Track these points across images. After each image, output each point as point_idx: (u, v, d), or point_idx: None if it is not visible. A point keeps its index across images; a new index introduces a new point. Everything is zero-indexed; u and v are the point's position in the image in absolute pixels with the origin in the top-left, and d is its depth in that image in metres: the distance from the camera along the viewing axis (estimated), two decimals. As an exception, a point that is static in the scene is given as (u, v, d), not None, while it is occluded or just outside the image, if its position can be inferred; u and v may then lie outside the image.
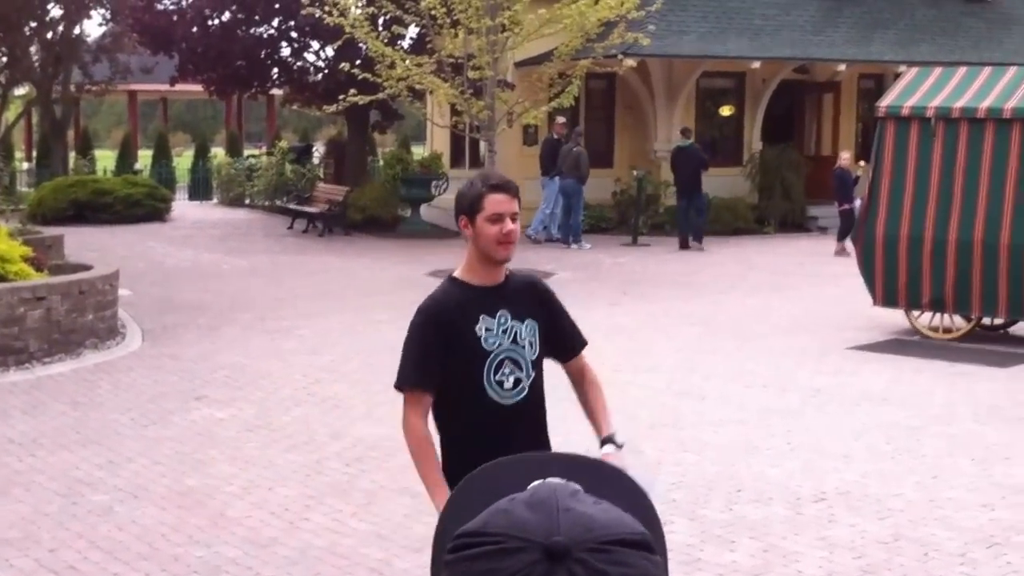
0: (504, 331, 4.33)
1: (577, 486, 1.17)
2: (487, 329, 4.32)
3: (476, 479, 1.33)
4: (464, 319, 4.32)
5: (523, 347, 4.35)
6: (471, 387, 4.29)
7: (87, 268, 14.45)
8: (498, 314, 4.34)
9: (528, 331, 4.37)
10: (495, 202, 4.28)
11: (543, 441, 4.45)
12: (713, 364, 12.28)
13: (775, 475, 8.53)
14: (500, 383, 4.31)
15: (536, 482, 1.19)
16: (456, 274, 4.46)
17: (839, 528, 7.48)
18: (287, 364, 12.28)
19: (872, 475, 8.54)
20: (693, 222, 22.93)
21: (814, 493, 8.14)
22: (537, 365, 4.40)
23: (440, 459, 4.35)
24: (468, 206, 4.32)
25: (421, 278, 19.13)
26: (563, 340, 4.56)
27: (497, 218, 4.28)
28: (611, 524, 1.11)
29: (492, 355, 4.30)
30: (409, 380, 4.34)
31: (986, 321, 13.73)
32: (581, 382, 4.63)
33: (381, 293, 17.28)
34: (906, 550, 7.10)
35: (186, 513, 7.70)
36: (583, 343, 4.64)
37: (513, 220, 4.31)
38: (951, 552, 7.07)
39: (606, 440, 4.44)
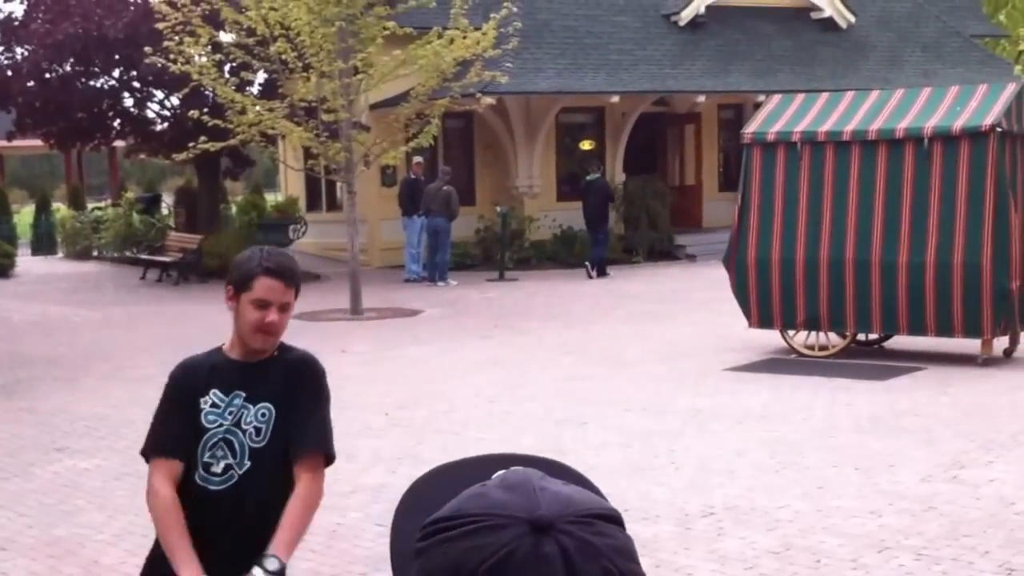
0: (230, 412, 3.89)
1: (542, 472, 1.16)
2: (213, 405, 3.90)
3: (423, 482, 1.28)
4: (197, 388, 3.92)
5: (244, 432, 3.88)
6: (189, 464, 3.88)
7: (-68, 325, 13.85)
8: (232, 393, 3.90)
9: (257, 416, 3.89)
10: (265, 287, 3.86)
11: (255, 543, 3.78)
12: (591, 391, 12.17)
13: (661, 493, 8.41)
14: (208, 465, 3.86)
15: (499, 472, 1.17)
16: (224, 345, 4.04)
17: (729, 541, 7.38)
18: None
19: (758, 489, 8.48)
20: (593, 253, 23.51)
21: (701, 509, 8.04)
22: (258, 455, 3.87)
23: (186, 537, 3.80)
24: (236, 280, 3.92)
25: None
26: (292, 431, 3.92)
27: (262, 304, 3.85)
28: (586, 501, 1.12)
29: (208, 434, 3.88)
30: (148, 447, 3.96)
31: (861, 337, 13.90)
32: (295, 484, 3.91)
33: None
34: (797, 558, 7.03)
35: (58, 562, 7.32)
36: (312, 447, 3.94)
37: (282, 310, 3.88)
38: (843, 558, 7.02)
39: (258, 560, 3.74)
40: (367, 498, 8.50)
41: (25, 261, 30.55)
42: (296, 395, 3.94)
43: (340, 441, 10.81)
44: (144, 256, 26.89)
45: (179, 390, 3.97)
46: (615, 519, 1.12)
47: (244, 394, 3.91)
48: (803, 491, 8.40)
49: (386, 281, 23.07)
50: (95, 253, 31.93)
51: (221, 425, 3.87)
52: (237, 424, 3.87)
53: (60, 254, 34.33)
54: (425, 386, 12.53)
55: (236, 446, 3.87)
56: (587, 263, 23.51)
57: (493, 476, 1.16)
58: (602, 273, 23.43)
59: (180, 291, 24.00)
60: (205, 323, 18.66)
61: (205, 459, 3.86)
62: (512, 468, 1.19)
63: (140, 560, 7.25)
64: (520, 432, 10.39)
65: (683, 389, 12.12)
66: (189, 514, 3.83)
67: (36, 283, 26.50)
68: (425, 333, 16.68)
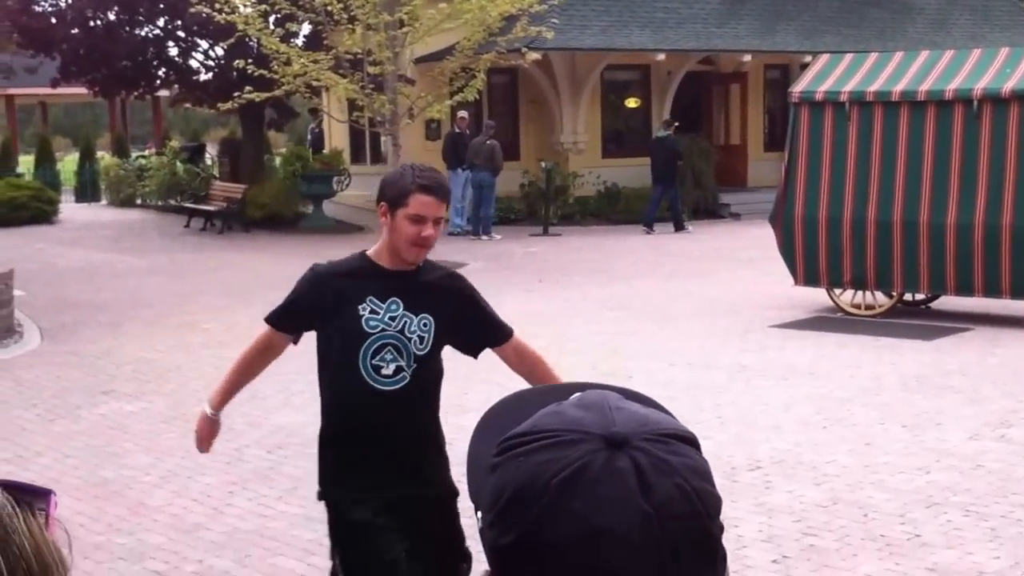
0: (391, 318, 4.10)
1: (619, 394, 1.17)
2: (372, 311, 4.10)
3: (504, 405, 1.28)
4: (351, 293, 4.12)
5: (409, 340, 4.12)
6: (347, 364, 4.09)
7: (-22, 270, 13.90)
8: (389, 300, 4.12)
9: (420, 326, 4.13)
10: (421, 203, 4.04)
11: (425, 433, 4.24)
12: (636, 346, 12.13)
13: (707, 446, 8.28)
14: (377, 368, 4.09)
15: (577, 394, 1.17)
16: (369, 252, 4.26)
17: (776, 494, 7.35)
18: (196, 357, 11.91)
19: (805, 444, 8.43)
20: (673, 210, 23.75)
21: (748, 462, 8.01)
22: (423, 360, 4.15)
23: (236, 382, 4.44)
24: (392, 197, 4.10)
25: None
26: (484, 336, 4.39)
27: (418, 219, 4.05)
28: (663, 421, 1.12)
29: (371, 338, 4.08)
30: (270, 318, 4.35)
31: (908, 297, 13.81)
32: (519, 363, 4.47)
33: (286, 288, 16.69)
34: (845, 512, 6.99)
35: (104, 503, 7.36)
36: (507, 334, 4.42)
37: (436, 224, 4.09)
38: (891, 512, 6.98)
39: None
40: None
41: (69, 208, 30.71)
42: (457, 308, 4.23)
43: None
44: (188, 205, 26.98)
45: (317, 287, 4.19)
46: (691, 440, 1.12)
47: (401, 303, 4.11)
48: (850, 447, 8.34)
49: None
50: (139, 201, 32.06)
51: (385, 331, 4.08)
52: (401, 331, 4.09)
53: (104, 202, 34.49)
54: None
55: (403, 351, 4.09)
56: (651, 220, 23.59)
57: (570, 397, 1.15)
58: (680, 227, 23.60)
59: (224, 240, 24.08)
60: (248, 271, 18.76)
61: (374, 362, 4.08)
62: (591, 389, 1.18)
63: (187, 501, 7.35)
64: (565, 384, 10.37)
65: (728, 345, 12.06)
66: (361, 415, 4.09)
67: (80, 230, 26.62)
68: (469, 286, 16.66)
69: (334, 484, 4.17)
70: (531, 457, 1.06)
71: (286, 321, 4.29)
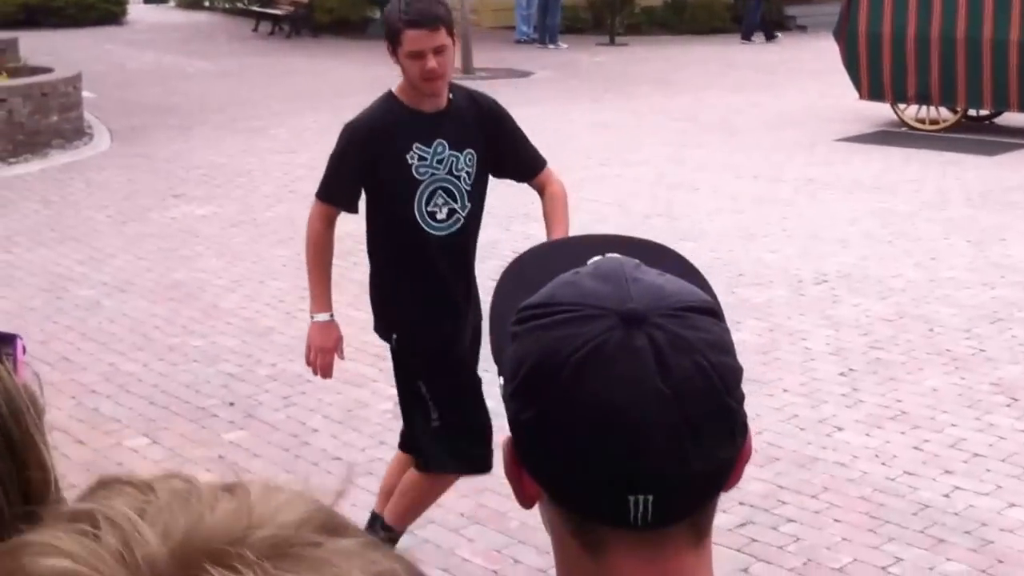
0: (439, 161, 4.05)
1: (637, 260, 1.13)
2: (419, 158, 4.03)
3: (529, 257, 1.26)
4: (395, 144, 4.03)
5: (459, 178, 4.08)
6: (402, 215, 4.05)
7: (47, 71, 13.91)
8: (435, 143, 4.05)
9: (466, 162, 4.10)
10: (413, 39, 3.91)
11: (470, 275, 4.27)
12: (702, 157, 12.06)
13: (774, 260, 8.39)
14: (432, 214, 4.06)
15: (596, 257, 1.15)
16: (395, 89, 4.12)
17: (843, 308, 7.38)
18: (265, 162, 11.97)
19: (871, 258, 8.43)
20: (745, 19, 23.64)
21: (815, 276, 8.02)
22: (474, 197, 4.14)
23: (322, 275, 4.35)
24: (389, 38, 4.00)
25: (395, 79, 18.69)
26: (517, 165, 4.34)
27: (417, 55, 3.92)
28: (681, 292, 1.08)
29: (424, 184, 4.03)
30: (321, 193, 4.22)
31: (972, 112, 13.63)
32: (543, 197, 4.40)
33: (354, 93, 16.79)
34: (911, 327, 7.02)
35: (178, 305, 7.50)
36: (540, 164, 4.38)
37: (438, 53, 3.92)
38: (956, 328, 7.00)
39: None
40: (481, 253, 8.47)
41: (137, 9, 30.57)
42: (494, 134, 4.19)
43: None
44: (256, 8, 26.75)
45: (361, 147, 4.08)
46: (711, 311, 1.08)
47: (446, 142, 4.06)
48: (915, 261, 8.33)
49: (497, 41, 22.78)
50: (207, 3, 31.82)
51: (434, 175, 4.04)
52: (450, 172, 4.06)
53: (172, 3, 34.26)
54: (537, 146, 12.43)
55: (455, 192, 4.08)
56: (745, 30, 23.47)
57: (588, 262, 1.13)
58: (770, 37, 23.38)
59: (291, 44, 23.95)
60: (315, 77, 18.70)
61: (428, 208, 4.06)
62: (608, 255, 1.15)
63: (259, 306, 7.48)
64: (632, 196, 10.36)
65: (794, 158, 11.96)
66: (415, 261, 4.11)
67: (149, 31, 26.56)
68: (536, 94, 16.53)
69: (401, 321, 4.26)
70: (549, 332, 1.05)
71: (339, 191, 4.17)
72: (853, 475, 5.25)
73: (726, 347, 1.07)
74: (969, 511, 4.93)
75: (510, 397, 1.07)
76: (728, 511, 4.89)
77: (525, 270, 1.22)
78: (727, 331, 1.09)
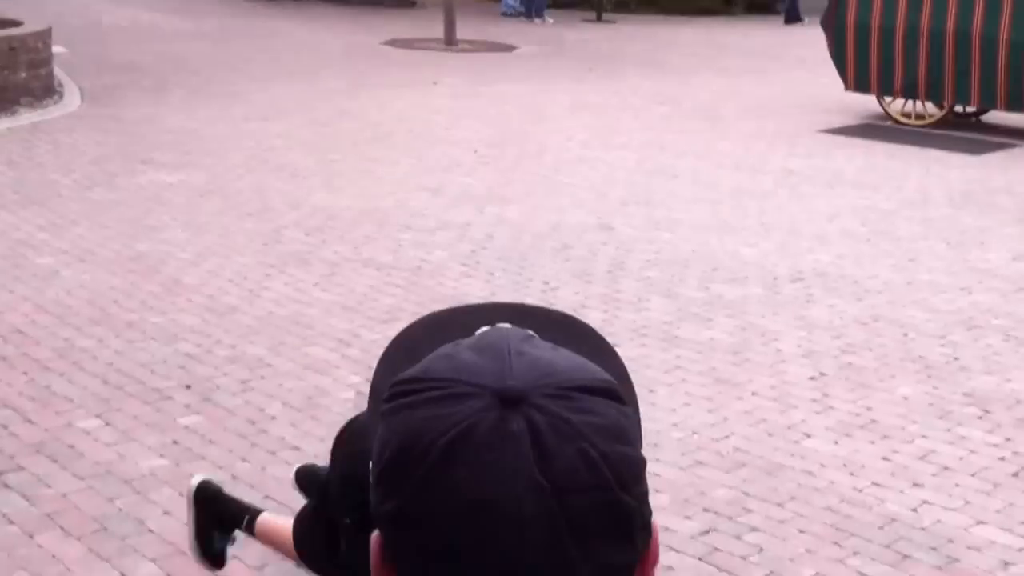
0: None
1: (531, 332, 0.99)
2: None
3: (414, 328, 1.09)
4: None
5: None
6: None
7: (17, 24, 13.52)
8: None
9: None
10: None
11: None
12: (683, 144, 11.92)
13: (751, 255, 8.27)
14: None
15: (483, 328, 1.00)
16: None
17: (817, 308, 7.26)
18: (237, 130, 11.78)
19: (848, 257, 8.32)
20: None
21: (791, 273, 7.90)
22: None
23: None
24: None
25: (376, 47, 18.55)
26: None
27: None
28: (572, 370, 0.94)
29: None
30: None
31: (958, 109, 13.54)
32: None
33: (334, 62, 16.68)
34: (885, 331, 6.91)
35: (138, 279, 7.32)
36: None
37: None
38: (931, 334, 6.89)
39: None
40: (453, 236, 8.42)
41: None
42: None
43: (428, 176, 10.81)
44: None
45: None
46: (609, 392, 0.93)
47: None
48: (893, 262, 8.23)
49: (482, 14, 22.58)
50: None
51: None
52: None
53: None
54: (516, 125, 12.33)
55: None
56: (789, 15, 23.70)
57: (476, 332, 0.99)
58: (795, 19, 23.42)
59: (274, 8, 23.60)
60: (297, 43, 18.50)
61: None
62: (497, 325, 1.01)
63: (222, 282, 7.31)
64: (610, 182, 10.22)
65: (776, 149, 11.84)
66: None
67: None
68: (518, 70, 16.37)
69: None
70: (416, 411, 0.92)
71: None
72: (820, 484, 5.14)
73: (623, 434, 0.92)
74: (936, 527, 4.83)
75: (374, 484, 0.94)
76: (691, 518, 4.78)
77: (405, 348, 1.06)
78: (629, 416, 0.94)
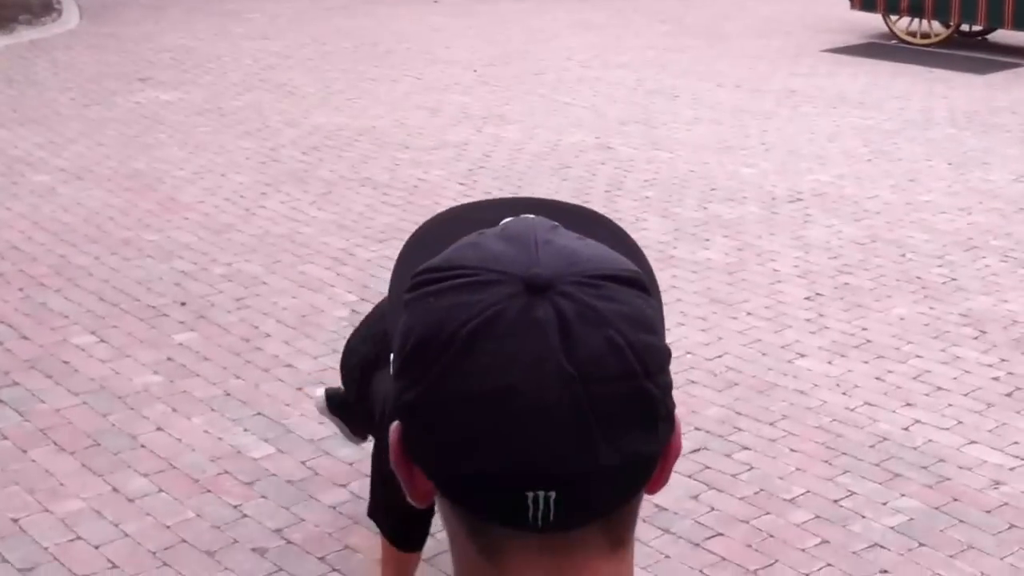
0: None
1: (556, 223, 0.96)
2: None
3: (441, 218, 1.08)
4: None
5: None
6: None
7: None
8: None
9: None
10: None
11: None
12: (685, 63, 11.83)
13: (750, 175, 8.23)
14: None
15: (508, 218, 0.98)
16: None
17: (815, 228, 7.24)
18: (237, 48, 11.70)
19: (848, 177, 8.28)
20: None
21: (789, 193, 7.87)
22: None
23: None
24: None
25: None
26: None
27: None
28: (599, 259, 0.92)
29: None
30: None
31: (964, 28, 13.40)
32: None
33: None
34: (883, 251, 6.89)
35: (135, 196, 7.31)
36: None
37: None
38: (929, 254, 6.88)
39: None
40: (450, 155, 8.39)
41: None
42: None
43: (427, 95, 10.71)
44: None
45: None
46: (636, 282, 0.92)
47: None
48: (893, 182, 8.19)
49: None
50: None
51: None
52: None
53: None
54: (516, 44, 12.23)
55: None
56: None
57: (500, 223, 0.97)
58: None
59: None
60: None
61: None
62: (522, 216, 0.99)
63: (219, 200, 7.29)
64: (610, 101, 10.16)
65: (779, 68, 11.75)
66: None
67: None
68: (518, -11, 16.22)
69: None
70: (442, 299, 0.90)
71: None
72: (812, 404, 5.15)
73: (649, 324, 0.91)
74: (928, 446, 4.85)
75: (396, 375, 0.92)
76: (683, 436, 4.79)
77: (427, 240, 1.05)
78: (654, 307, 0.93)
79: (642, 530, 4.14)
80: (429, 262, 0.93)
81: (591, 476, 0.88)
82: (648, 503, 4.21)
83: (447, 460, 0.89)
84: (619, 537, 0.93)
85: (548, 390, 0.86)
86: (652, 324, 0.91)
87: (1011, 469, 4.70)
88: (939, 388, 5.33)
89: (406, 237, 5.96)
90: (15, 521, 4.09)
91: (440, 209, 7.24)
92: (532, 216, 0.99)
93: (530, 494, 0.87)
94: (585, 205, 1.11)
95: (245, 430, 4.71)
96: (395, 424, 0.93)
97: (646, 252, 5.93)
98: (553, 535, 0.89)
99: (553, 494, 0.87)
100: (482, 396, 0.87)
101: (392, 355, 0.94)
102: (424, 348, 0.89)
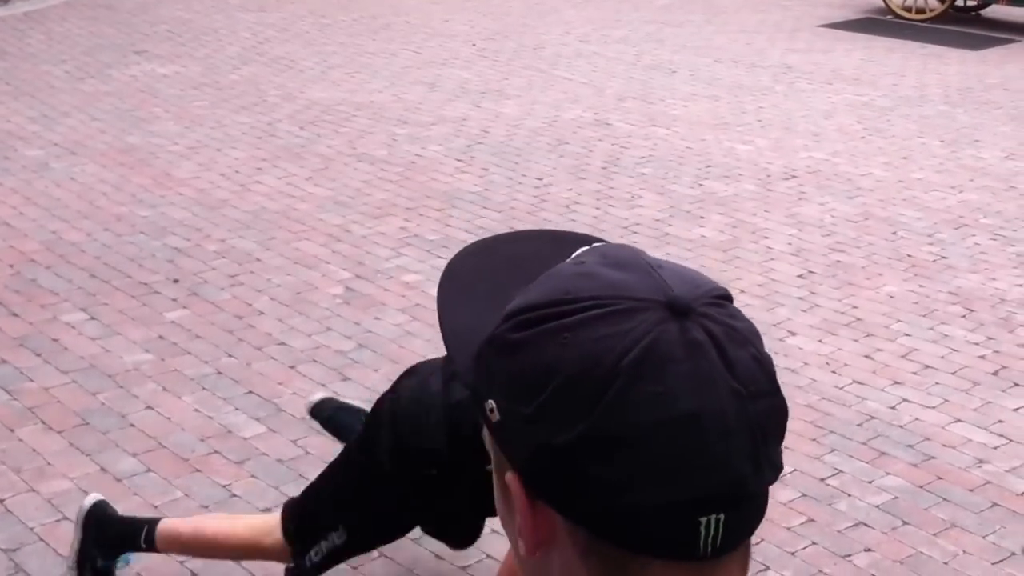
0: None
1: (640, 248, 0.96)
2: None
3: (458, 261, 1.04)
4: None
5: None
6: None
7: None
8: None
9: None
10: None
11: None
12: (683, 38, 11.81)
13: (745, 152, 8.24)
14: None
15: (582, 249, 0.96)
16: None
17: (809, 206, 7.26)
18: (233, 20, 11.67)
19: (842, 154, 8.29)
20: None
21: (784, 171, 7.88)
22: None
23: None
24: None
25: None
26: None
27: None
28: (705, 280, 0.92)
29: None
30: None
31: (959, 3, 13.41)
32: None
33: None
34: (875, 229, 6.92)
35: (128, 171, 7.31)
36: None
37: None
38: (920, 232, 6.91)
39: None
40: (448, 131, 8.39)
41: None
42: None
43: (425, 69, 10.68)
44: None
45: None
46: (731, 298, 0.93)
47: None
48: (887, 160, 8.20)
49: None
50: None
51: None
52: None
53: None
54: (514, 18, 12.20)
55: None
56: None
57: (576, 253, 0.95)
58: None
59: None
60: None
61: None
62: (596, 244, 0.98)
63: (214, 176, 7.30)
64: (608, 76, 10.15)
65: (776, 43, 11.73)
66: None
67: None
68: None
69: None
70: (580, 333, 0.86)
71: None
72: (802, 382, 5.18)
73: (761, 338, 0.92)
74: (914, 424, 4.88)
75: (530, 420, 0.88)
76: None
77: (458, 275, 1.02)
78: None
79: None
80: (529, 298, 0.91)
81: (756, 495, 0.89)
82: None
83: (613, 497, 0.86)
84: (747, 556, 0.93)
85: (727, 410, 0.86)
86: (761, 338, 0.92)
87: (995, 448, 4.74)
88: (926, 366, 5.36)
89: (403, 214, 6.05)
90: (1, 501, 4.12)
91: (436, 186, 7.25)
92: (611, 243, 0.98)
93: (703, 519, 0.86)
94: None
95: (236, 409, 4.73)
96: (509, 475, 0.90)
97: (640, 230, 5.96)
98: (704, 560, 0.88)
99: (723, 516, 0.87)
100: (661, 422, 0.85)
101: (493, 403, 0.91)
102: (578, 385, 0.86)
